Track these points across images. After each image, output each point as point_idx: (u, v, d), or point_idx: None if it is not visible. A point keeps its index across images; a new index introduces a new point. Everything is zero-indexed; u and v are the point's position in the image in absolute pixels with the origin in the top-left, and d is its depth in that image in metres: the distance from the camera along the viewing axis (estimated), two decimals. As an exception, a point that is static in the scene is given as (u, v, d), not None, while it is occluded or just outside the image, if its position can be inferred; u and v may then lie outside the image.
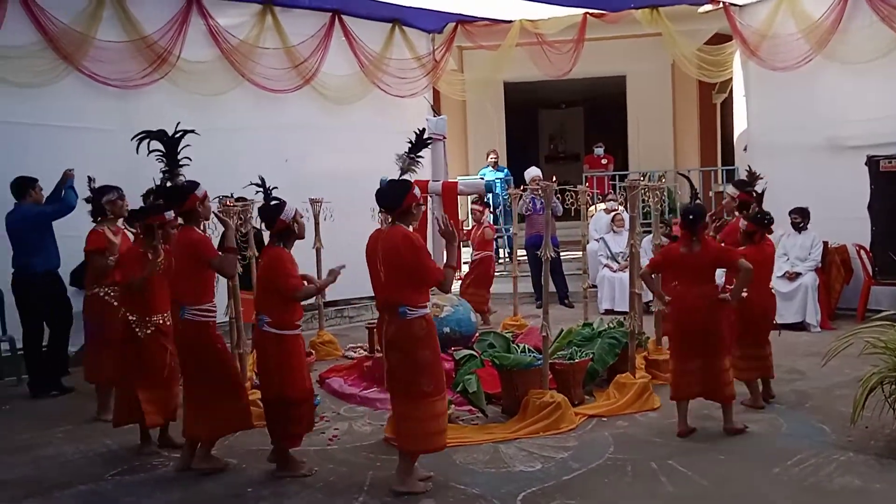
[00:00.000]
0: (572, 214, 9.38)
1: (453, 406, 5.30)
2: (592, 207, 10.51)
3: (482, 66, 11.50)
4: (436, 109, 8.45)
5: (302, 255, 7.50)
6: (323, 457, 4.60)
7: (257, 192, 4.80)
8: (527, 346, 5.68)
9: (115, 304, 5.16)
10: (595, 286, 9.62)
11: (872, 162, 7.82)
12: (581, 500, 3.85)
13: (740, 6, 9.37)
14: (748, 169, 6.13)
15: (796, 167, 8.70)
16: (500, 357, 5.32)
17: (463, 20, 10.25)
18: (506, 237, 10.98)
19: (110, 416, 5.05)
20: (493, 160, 11.78)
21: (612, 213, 10.19)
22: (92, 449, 4.90)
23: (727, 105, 13.78)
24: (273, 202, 4.46)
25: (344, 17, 9.30)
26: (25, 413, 5.90)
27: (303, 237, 4.51)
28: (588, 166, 12.92)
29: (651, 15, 9.54)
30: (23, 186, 6.42)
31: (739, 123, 10.34)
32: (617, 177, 12.01)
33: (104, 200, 5.62)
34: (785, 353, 6.83)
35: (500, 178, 11.39)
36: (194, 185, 4.53)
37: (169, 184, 4.52)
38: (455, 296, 6.79)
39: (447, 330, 6.17)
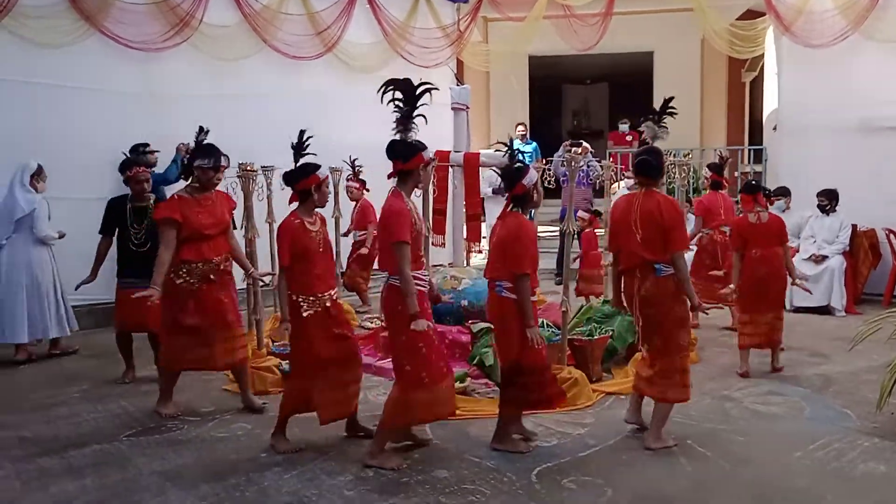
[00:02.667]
0: (597, 188, 9.22)
1: (469, 379, 5.26)
2: (616, 184, 10.34)
3: (507, 38, 11.32)
4: (460, 79, 8.30)
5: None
6: (338, 426, 4.54)
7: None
8: (546, 322, 5.60)
9: (195, 286, 4.61)
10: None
11: (908, 144, 7.61)
12: (597, 477, 3.78)
13: (776, -20, 9.10)
14: (719, 153, 6.12)
15: (827, 148, 8.50)
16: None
17: (490, -11, 10.06)
18: (530, 212, 10.83)
19: (169, 408, 4.78)
20: (522, 132, 11.63)
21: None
22: (108, 409, 4.92)
23: (756, 84, 13.51)
24: (516, 166, 4.20)
25: (368, -17, 9.16)
26: (42, 372, 5.95)
27: (538, 205, 4.38)
28: (613, 143, 12.74)
29: (684, -13, 9.29)
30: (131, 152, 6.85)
31: (769, 102, 10.11)
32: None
33: (195, 164, 4.68)
34: (810, 336, 6.76)
35: (529, 152, 11.24)
36: (422, 145, 4.13)
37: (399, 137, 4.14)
38: (474, 269, 6.72)
39: (465, 303, 6.10)
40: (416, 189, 4.16)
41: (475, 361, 5.22)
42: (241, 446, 4.26)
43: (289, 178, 4.24)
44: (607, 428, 4.48)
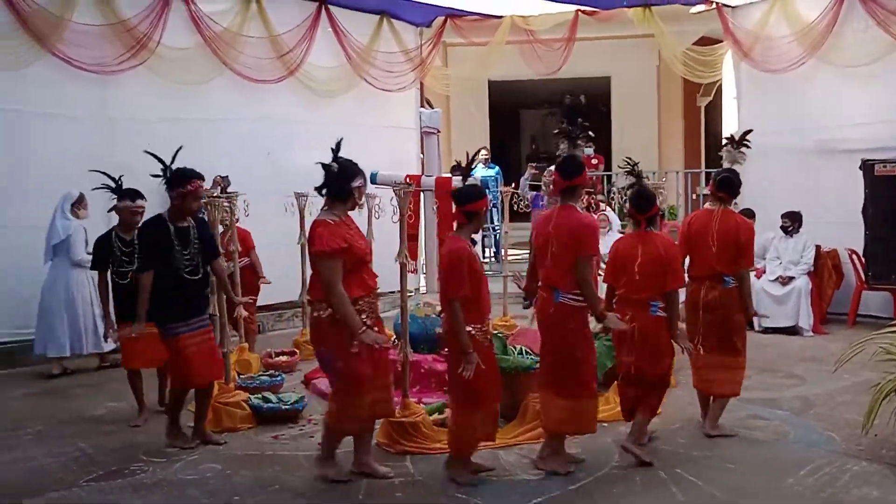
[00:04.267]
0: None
1: (447, 410, 5.08)
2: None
3: (467, 63, 11.31)
4: (429, 103, 8.21)
5: (287, 251, 7.34)
6: (312, 463, 4.32)
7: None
8: (524, 349, 5.47)
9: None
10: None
11: (867, 166, 7.76)
12: (590, 511, 3.65)
13: (733, 7, 9.27)
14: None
15: (788, 171, 8.63)
16: (499, 360, 5.09)
17: (452, 14, 10.02)
18: (493, 236, 10.78)
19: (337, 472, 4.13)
20: (485, 157, 11.60)
21: (597, 214, 10.04)
22: (65, 452, 4.59)
23: (711, 108, 13.78)
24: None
25: (331, 7, 9.00)
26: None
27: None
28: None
29: (644, 14, 9.40)
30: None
31: (729, 126, 10.25)
32: (604, 178, 11.91)
33: (354, 185, 4.06)
34: (781, 357, 6.77)
35: (493, 175, 11.21)
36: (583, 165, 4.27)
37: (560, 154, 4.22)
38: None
39: (440, 330, 5.92)
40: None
41: (454, 392, 5.03)
42: (211, 489, 4.01)
43: (463, 198, 4.01)
44: (596, 458, 4.35)
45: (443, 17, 10.08)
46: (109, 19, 7.35)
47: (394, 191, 4.79)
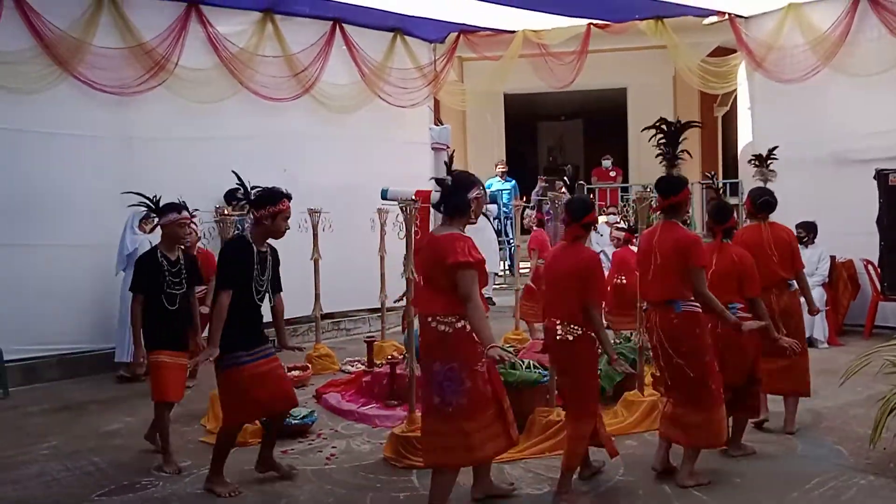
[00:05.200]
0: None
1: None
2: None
3: (482, 77, 11.39)
4: (439, 119, 8.31)
5: (300, 266, 7.44)
6: (320, 477, 4.41)
7: None
8: (532, 363, 5.50)
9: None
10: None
11: (881, 176, 7.70)
12: (592, 526, 3.67)
13: (746, 18, 9.28)
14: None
15: (803, 181, 8.55)
16: (505, 373, 5.11)
17: (465, 30, 10.12)
18: (507, 249, 10.81)
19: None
20: (502, 171, 11.67)
21: (612, 226, 10.05)
22: (79, 467, 4.70)
23: (728, 118, 13.71)
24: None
25: (345, 25, 9.16)
26: (9, 427, 5.71)
27: None
28: (597, 178, 12.86)
29: (656, 26, 9.43)
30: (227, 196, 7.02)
31: (744, 136, 10.23)
32: (620, 189, 11.91)
33: (471, 196, 3.77)
34: (795, 370, 6.69)
35: (508, 189, 11.26)
36: (685, 179, 4.36)
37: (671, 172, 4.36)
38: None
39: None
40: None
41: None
42: (220, 503, 4.08)
43: (578, 212, 4.10)
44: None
45: (456, 33, 10.19)
46: (129, 42, 7.55)
47: (399, 207, 4.86)
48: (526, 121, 17.33)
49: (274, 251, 4.43)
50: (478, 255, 3.65)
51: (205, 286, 5.89)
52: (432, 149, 6.91)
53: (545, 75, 10.21)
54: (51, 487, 4.38)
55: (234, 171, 4.53)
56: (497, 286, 11.76)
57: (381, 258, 7.46)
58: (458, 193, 3.73)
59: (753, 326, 4.39)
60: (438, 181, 3.80)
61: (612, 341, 6.10)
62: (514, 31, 10.09)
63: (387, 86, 9.57)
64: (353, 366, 7.08)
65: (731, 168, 13.26)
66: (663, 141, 4.41)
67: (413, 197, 5.26)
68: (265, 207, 4.23)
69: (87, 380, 7.10)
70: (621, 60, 13.11)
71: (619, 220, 10.20)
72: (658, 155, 4.44)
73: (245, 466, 4.56)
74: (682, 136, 4.44)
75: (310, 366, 6.92)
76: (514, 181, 11.91)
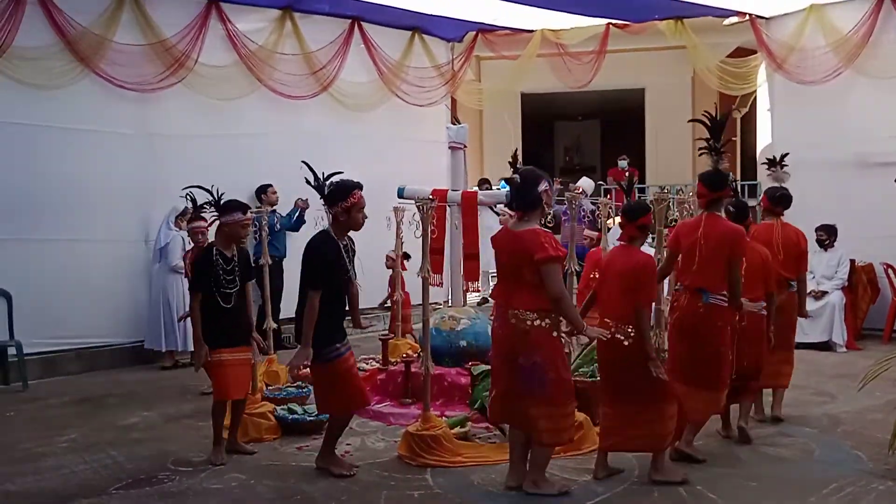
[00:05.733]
0: (597, 226, 9.20)
1: (469, 424, 5.13)
2: (611, 220, 10.33)
3: (500, 77, 11.38)
4: (457, 118, 8.31)
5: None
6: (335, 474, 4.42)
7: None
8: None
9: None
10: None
11: (903, 179, 7.59)
12: (607, 527, 3.65)
13: (767, 19, 9.20)
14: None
15: (823, 183, 8.48)
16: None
17: (483, 29, 10.12)
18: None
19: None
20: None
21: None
22: (97, 460, 4.74)
23: (747, 120, 13.59)
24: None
25: (364, 24, 9.20)
26: (28, 420, 5.78)
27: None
28: (613, 178, 12.79)
29: (675, 26, 9.38)
30: (258, 192, 7.96)
31: (763, 138, 10.14)
32: (636, 190, 11.83)
33: (540, 189, 3.91)
34: (813, 373, 6.66)
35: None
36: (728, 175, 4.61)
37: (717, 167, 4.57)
38: (472, 308, 6.62)
39: (464, 343, 5.98)
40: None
41: (477, 405, 5.09)
42: (235, 498, 4.10)
43: (635, 213, 4.24)
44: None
45: (474, 32, 10.19)
46: (150, 39, 7.62)
47: (416, 206, 4.86)
48: (543, 121, 17.28)
49: (352, 241, 4.44)
50: (562, 249, 3.89)
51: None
52: (449, 148, 6.87)
53: (563, 75, 10.19)
54: (69, 480, 4.42)
55: (304, 162, 4.58)
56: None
57: (397, 257, 7.47)
58: (528, 189, 3.89)
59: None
60: (507, 180, 4.01)
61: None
62: (532, 31, 10.08)
63: (404, 84, 9.59)
64: (367, 363, 7.07)
65: (748, 170, 13.15)
66: (707, 136, 4.64)
67: (430, 196, 5.25)
68: (338, 204, 4.24)
69: (105, 373, 7.19)
70: (640, 61, 13.04)
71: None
72: (701, 150, 4.66)
73: (262, 462, 4.59)
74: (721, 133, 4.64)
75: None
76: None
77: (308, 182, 4.48)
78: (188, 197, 5.20)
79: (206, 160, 7.87)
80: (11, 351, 6.74)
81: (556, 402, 3.89)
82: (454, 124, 7.09)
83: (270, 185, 8.09)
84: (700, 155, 4.82)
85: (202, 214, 5.74)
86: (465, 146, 6.81)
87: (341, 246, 4.27)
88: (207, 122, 8.08)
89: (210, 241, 5.05)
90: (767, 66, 9.32)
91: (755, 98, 10.79)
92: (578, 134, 19.09)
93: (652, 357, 4.08)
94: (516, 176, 3.94)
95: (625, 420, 4.16)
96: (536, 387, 3.84)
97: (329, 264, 4.19)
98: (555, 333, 3.87)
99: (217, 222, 4.79)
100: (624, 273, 4.11)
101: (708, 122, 4.65)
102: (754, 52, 9.74)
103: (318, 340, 4.18)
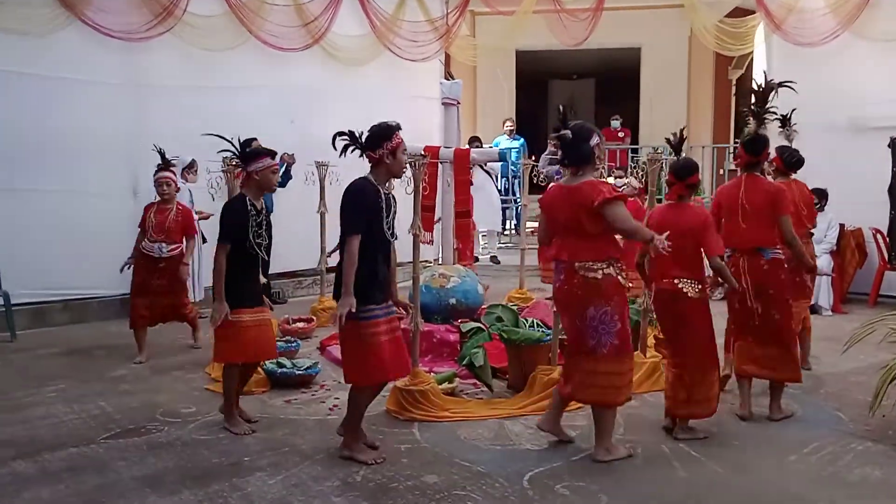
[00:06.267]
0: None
1: (458, 379, 5.18)
2: (611, 178, 10.31)
3: (494, 33, 11.23)
4: (451, 74, 8.21)
5: (306, 219, 7.44)
6: (323, 427, 4.46)
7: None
8: (535, 321, 5.52)
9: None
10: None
11: (895, 143, 7.59)
12: (590, 483, 3.70)
13: (767, -22, 9.06)
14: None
15: (816, 147, 8.29)
16: (508, 331, 5.17)
17: (479, -17, 9.94)
18: (514, 208, 10.76)
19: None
20: (510, 128, 11.57)
21: (620, 187, 9.99)
22: (85, 410, 4.77)
23: (742, 82, 13.50)
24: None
25: (357, -25, 9.01)
26: (17, 370, 5.78)
27: None
28: (605, 139, 12.71)
29: (674, -17, 9.23)
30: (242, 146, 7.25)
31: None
32: (629, 150, 11.80)
33: (592, 144, 3.90)
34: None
35: (517, 147, 11.18)
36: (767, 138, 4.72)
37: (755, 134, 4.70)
38: (462, 266, 6.63)
39: (453, 301, 6.02)
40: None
41: (465, 362, 5.12)
42: (223, 450, 4.13)
43: (684, 171, 4.31)
44: (599, 431, 4.39)
45: (469, -14, 9.99)
46: (137, -15, 7.43)
47: (408, 162, 4.81)
48: (537, 79, 17.10)
49: (394, 197, 4.07)
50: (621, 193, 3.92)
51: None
52: (443, 104, 6.81)
53: (559, 32, 10.03)
54: (58, 429, 4.45)
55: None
56: (502, 245, 11.77)
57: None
58: (579, 144, 3.88)
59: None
60: (559, 136, 3.92)
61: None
62: (528, -14, 9.89)
63: (398, 38, 9.44)
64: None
65: (743, 132, 13.11)
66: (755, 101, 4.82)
67: (422, 152, 5.21)
68: (383, 145, 3.90)
69: (93, 325, 7.18)
70: (636, 19, 12.87)
71: (627, 181, 10.12)
72: (746, 114, 4.82)
73: (251, 415, 4.62)
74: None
75: (314, 318, 6.96)
76: (522, 139, 11.81)
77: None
78: (157, 150, 5.13)
79: (195, 112, 7.75)
80: (-1, 301, 6.71)
81: (621, 357, 3.92)
82: (448, 80, 6.99)
83: (255, 139, 7.93)
84: (746, 119, 4.91)
85: (171, 167, 5.91)
86: (459, 102, 6.74)
87: (383, 194, 3.93)
88: (196, 73, 7.94)
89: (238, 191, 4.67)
90: (765, 27, 9.21)
91: (752, 59, 10.69)
92: (572, 93, 18.92)
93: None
94: (567, 132, 3.89)
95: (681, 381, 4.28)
96: (605, 337, 3.86)
97: (369, 208, 3.84)
98: (622, 281, 3.91)
99: (244, 172, 4.44)
100: (684, 231, 4.14)
101: (756, 89, 4.86)
102: (752, 12, 9.61)
103: (355, 294, 3.78)
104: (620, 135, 12.56)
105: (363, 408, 4.04)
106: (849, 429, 4.46)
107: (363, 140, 3.96)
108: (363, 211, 3.84)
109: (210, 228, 7.50)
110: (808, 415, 4.73)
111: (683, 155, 4.70)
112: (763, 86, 4.84)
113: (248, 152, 4.50)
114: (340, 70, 9.04)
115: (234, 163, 5.46)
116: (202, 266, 7.30)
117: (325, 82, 8.89)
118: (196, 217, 6.60)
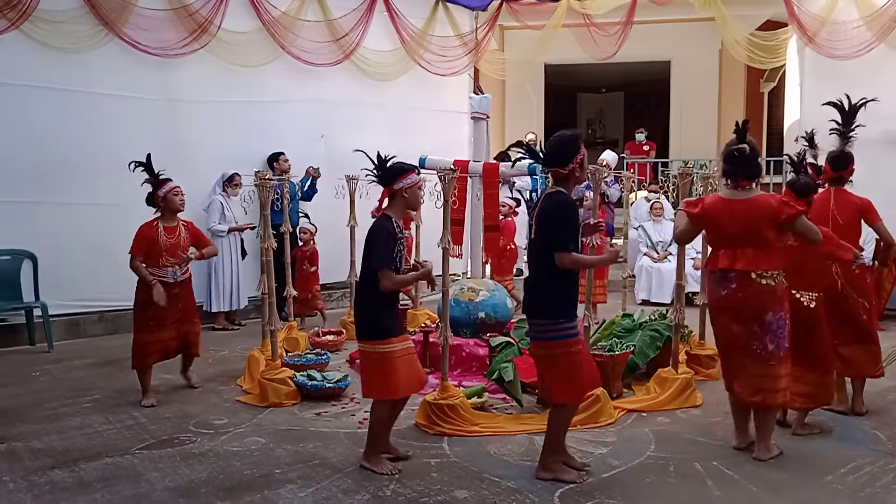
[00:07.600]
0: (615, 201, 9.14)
1: (487, 394, 5.16)
2: (633, 194, 10.26)
3: (523, 47, 11.25)
4: (480, 88, 8.24)
5: (335, 232, 7.49)
6: (353, 440, 4.47)
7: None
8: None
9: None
10: (633, 276, 9.37)
11: (932, 157, 7.45)
12: (622, 500, 3.67)
13: (799, -9, 8.98)
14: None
15: (851, 161, 8.32)
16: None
17: (508, -2, 9.99)
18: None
19: None
20: (531, 141, 11.55)
21: (652, 202, 9.93)
22: (120, 421, 4.85)
23: (775, 95, 13.35)
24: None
25: (387, -9, 9.10)
26: (53, 380, 5.89)
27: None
28: (629, 152, 12.66)
29: (705, -3, 9.19)
30: (270, 159, 8.03)
31: (791, 113, 9.97)
32: (658, 164, 11.73)
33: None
34: (833, 353, 6.58)
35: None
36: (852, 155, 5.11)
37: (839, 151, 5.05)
38: (491, 281, 6.62)
39: (482, 315, 6.02)
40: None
41: (494, 376, 5.11)
42: (255, 461, 4.17)
43: (805, 189, 4.53)
44: (630, 447, 4.36)
45: (499, 1, 10.06)
46: (173, 4, 7.60)
47: (438, 176, 4.84)
48: (566, 92, 17.10)
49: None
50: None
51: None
52: (472, 118, 6.83)
53: (588, 46, 10.05)
54: (93, 439, 4.51)
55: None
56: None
57: (417, 227, 7.48)
58: (755, 160, 4.10)
59: None
60: (738, 150, 4.07)
61: (648, 317, 6.08)
62: (557, 0, 9.93)
63: (427, 53, 9.51)
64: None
65: (774, 146, 12.97)
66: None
67: (451, 166, 5.23)
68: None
69: (127, 336, 7.20)
70: (666, 32, 12.81)
71: (659, 196, 10.08)
72: (832, 131, 5.15)
73: (282, 427, 4.65)
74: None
75: (344, 331, 6.99)
76: (548, 153, 11.80)
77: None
78: (136, 164, 5.33)
79: (228, 126, 7.92)
80: (37, 312, 6.85)
81: (789, 360, 4.12)
82: (477, 94, 7.02)
83: (282, 153, 8.07)
84: (831, 134, 5.22)
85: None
86: (488, 116, 6.76)
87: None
88: (229, 89, 8.08)
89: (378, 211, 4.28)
90: (798, 40, 9.12)
91: (784, 72, 10.58)
92: (601, 106, 18.88)
93: None
94: (745, 146, 4.06)
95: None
96: (782, 341, 4.07)
97: (394, 247, 3.92)
98: (791, 292, 4.24)
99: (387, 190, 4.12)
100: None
101: (844, 108, 5.12)
102: (784, 24, 9.53)
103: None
104: (645, 148, 12.51)
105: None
106: (887, 448, 4.37)
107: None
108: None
109: (250, 241, 7.66)
110: (845, 434, 4.63)
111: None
112: (847, 107, 5.19)
113: (393, 169, 4.12)
114: (371, 85, 9.13)
115: (266, 176, 5.54)
116: (220, 279, 7.73)
117: (355, 97, 8.99)
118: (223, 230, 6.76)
